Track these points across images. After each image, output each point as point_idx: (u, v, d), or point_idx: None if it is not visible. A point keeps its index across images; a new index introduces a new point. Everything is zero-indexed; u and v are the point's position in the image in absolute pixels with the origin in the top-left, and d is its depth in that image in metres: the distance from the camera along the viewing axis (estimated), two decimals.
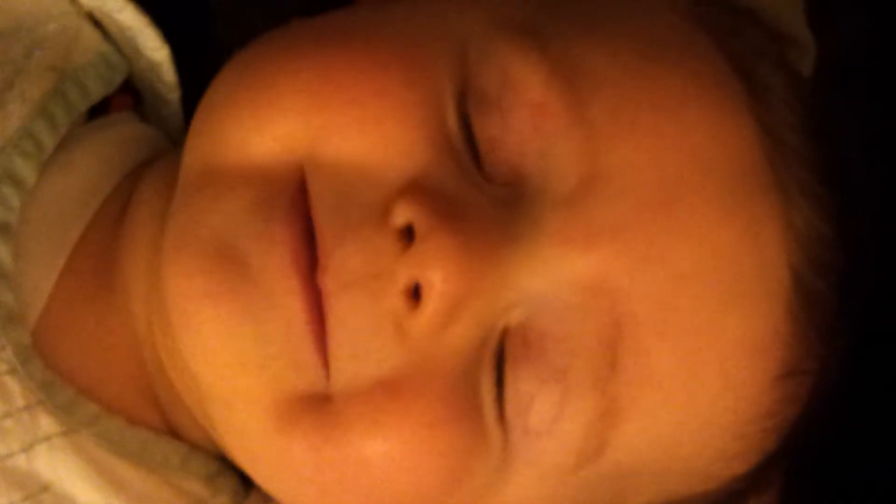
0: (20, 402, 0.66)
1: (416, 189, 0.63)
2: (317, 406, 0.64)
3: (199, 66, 0.74)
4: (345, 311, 0.63)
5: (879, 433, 0.82)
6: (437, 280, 0.62)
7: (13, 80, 0.71)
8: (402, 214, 0.62)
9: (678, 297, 0.65)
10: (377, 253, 0.63)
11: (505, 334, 0.65)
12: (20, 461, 0.65)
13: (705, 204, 0.65)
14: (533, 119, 0.65)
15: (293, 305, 0.63)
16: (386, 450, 0.63)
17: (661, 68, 0.67)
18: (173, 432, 0.71)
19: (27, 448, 0.65)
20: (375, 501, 0.65)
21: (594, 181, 0.64)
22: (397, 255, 0.62)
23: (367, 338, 0.63)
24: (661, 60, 0.67)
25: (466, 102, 0.65)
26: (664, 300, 0.65)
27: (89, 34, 0.75)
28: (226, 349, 0.63)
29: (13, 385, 0.66)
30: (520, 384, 0.65)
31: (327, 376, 0.64)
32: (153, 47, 0.76)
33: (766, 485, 0.76)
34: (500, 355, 0.65)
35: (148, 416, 0.70)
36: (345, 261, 0.63)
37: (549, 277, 0.64)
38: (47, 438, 0.66)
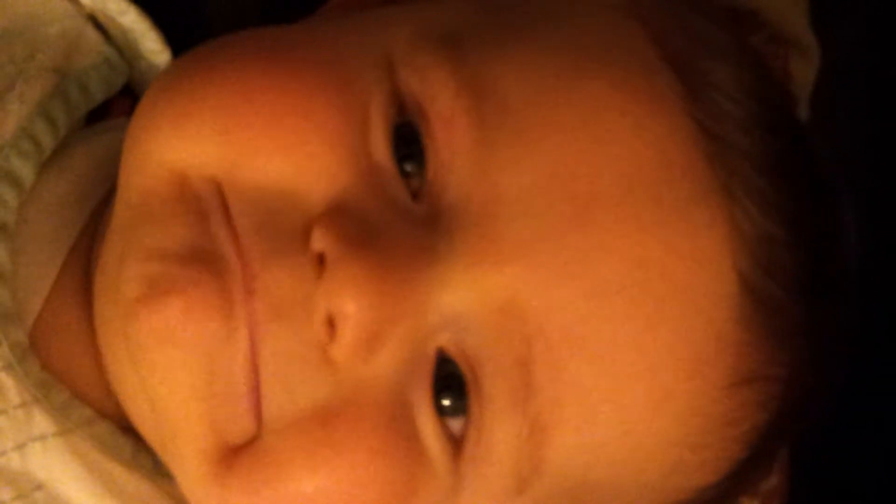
0: (15, 399, 0.65)
1: (332, 214, 0.62)
2: (250, 447, 0.63)
3: None
4: (275, 341, 0.62)
5: (880, 434, 0.82)
6: (349, 309, 0.61)
7: (14, 81, 0.71)
8: (318, 240, 0.62)
9: (595, 312, 0.63)
10: (301, 278, 0.62)
11: (449, 358, 0.64)
12: (13, 459, 0.65)
13: (625, 217, 0.64)
14: (445, 134, 0.64)
15: (242, 337, 0.62)
16: (325, 484, 0.62)
17: (581, 79, 0.65)
18: None
19: (21, 446, 0.65)
20: None
21: (498, 203, 0.63)
22: (316, 282, 0.62)
23: (297, 368, 0.62)
24: (583, 71, 0.65)
25: (395, 115, 0.64)
26: (578, 316, 0.63)
27: (91, 36, 0.75)
28: (185, 374, 0.62)
29: (8, 382, 0.65)
30: (459, 409, 0.64)
31: (259, 411, 0.63)
32: (155, 50, 0.76)
33: (767, 494, 0.75)
34: (439, 379, 0.64)
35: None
36: (272, 285, 0.62)
37: (466, 299, 0.63)
38: (42, 438, 0.65)
